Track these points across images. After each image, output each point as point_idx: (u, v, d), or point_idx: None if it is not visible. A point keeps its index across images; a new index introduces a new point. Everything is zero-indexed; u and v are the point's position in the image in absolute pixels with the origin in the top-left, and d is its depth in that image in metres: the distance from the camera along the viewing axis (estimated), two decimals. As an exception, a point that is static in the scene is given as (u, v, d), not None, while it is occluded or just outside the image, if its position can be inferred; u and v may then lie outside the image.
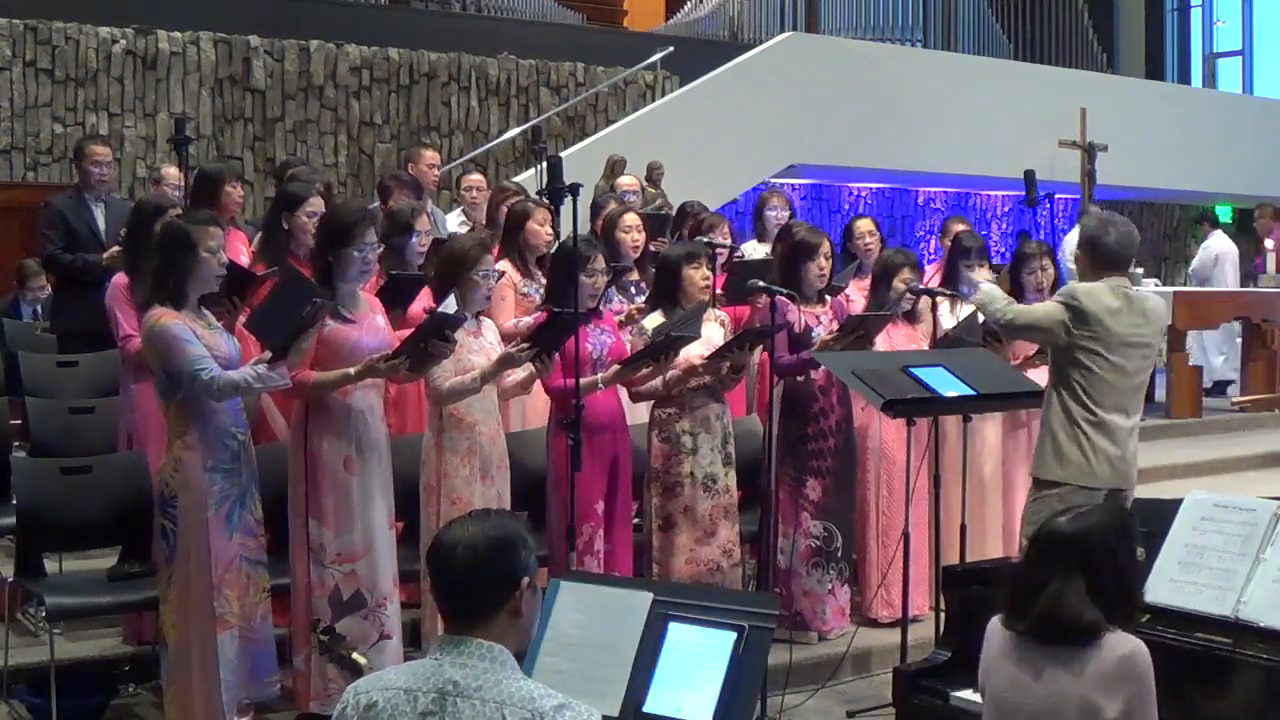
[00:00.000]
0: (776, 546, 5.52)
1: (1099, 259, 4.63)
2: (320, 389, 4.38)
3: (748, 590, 5.41)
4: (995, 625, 3.05)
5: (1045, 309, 4.68)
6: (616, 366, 4.92)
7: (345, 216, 4.55)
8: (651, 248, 6.55)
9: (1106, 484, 4.54)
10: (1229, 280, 12.67)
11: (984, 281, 5.07)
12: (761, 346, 5.41)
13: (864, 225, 6.75)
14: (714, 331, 5.34)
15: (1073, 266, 6.90)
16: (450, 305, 4.47)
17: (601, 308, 5.22)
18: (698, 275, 5.21)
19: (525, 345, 4.55)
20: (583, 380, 4.68)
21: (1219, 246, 13.15)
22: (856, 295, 6.30)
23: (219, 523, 4.20)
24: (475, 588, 2.34)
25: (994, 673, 3.01)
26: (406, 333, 4.52)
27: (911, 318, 5.92)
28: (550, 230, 5.83)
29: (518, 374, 4.76)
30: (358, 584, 4.41)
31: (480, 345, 4.75)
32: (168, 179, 7.42)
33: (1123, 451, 4.56)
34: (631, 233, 6.14)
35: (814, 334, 5.57)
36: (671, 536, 5.19)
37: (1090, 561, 2.89)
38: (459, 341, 4.57)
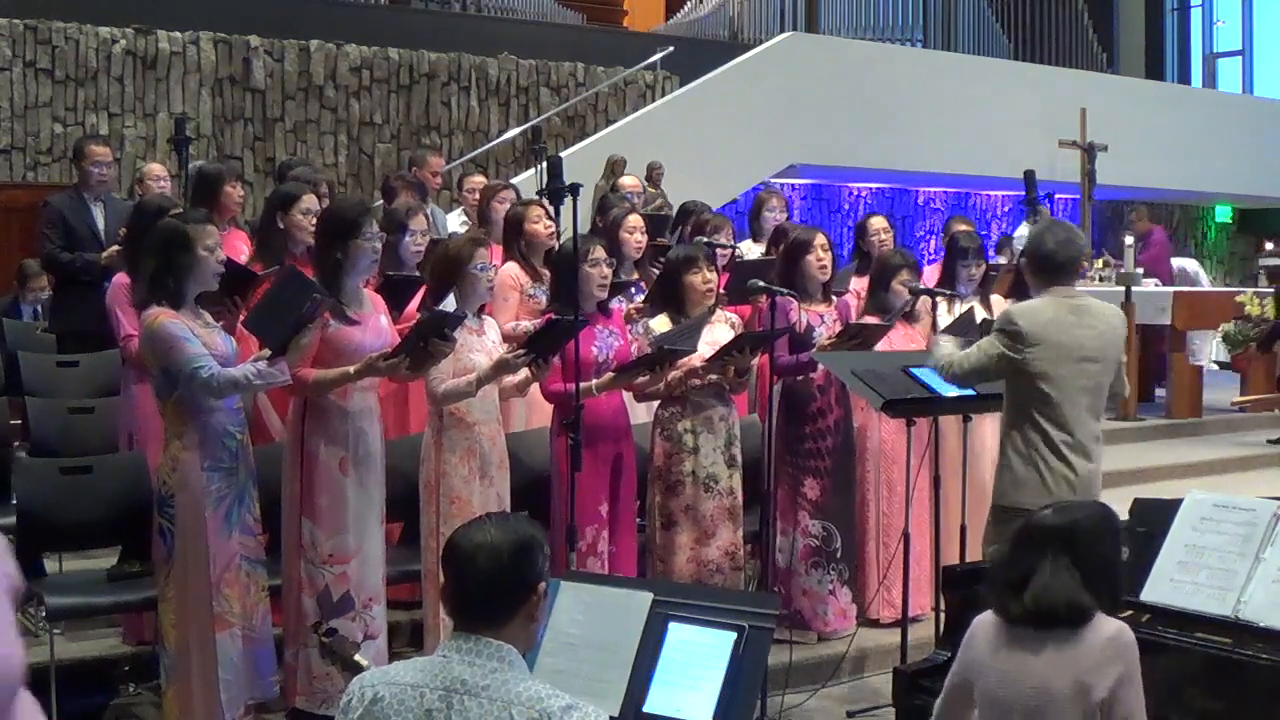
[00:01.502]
0: (776, 546, 5.52)
1: (1039, 268, 4.42)
2: (320, 388, 4.38)
3: (749, 591, 5.41)
4: (982, 622, 3.07)
5: (980, 348, 4.40)
6: (610, 374, 4.91)
7: (348, 210, 4.58)
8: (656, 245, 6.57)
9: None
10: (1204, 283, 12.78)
11: (941, 339, 4.77)
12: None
13: (877, 223, 6.75)
14: (724, 333, 5.32)
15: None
16: (449, 302, 4.47)
17: (610, 307, 5.21)
18: (698, 279, 5.20)
19: (521, 352, 4.54)
20: (569, 385, 4.67)
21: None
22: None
23: (217, 522, 4.21)
24: (496, 592, 2.33)
25: (983, 669, 3.02)
26: (406, 329, 4.52)
27: (910, 318, 5.92)
28: (549, 224, 5.82)
29: (514, 377, 4.76)
30: (348, 585, 4.41)
31: (482, 344, 4.75)
32: (150, 175, 7.39)
33: (1080, 470, 4.33)
34: (635, 233, 6.15)
35: (815, 333, 5.57)
36: (673, 535, 5.19)
37: (1075, 548, 2.94)
38: (460, 340, 4.58)
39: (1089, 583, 2.92)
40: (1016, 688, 2.94)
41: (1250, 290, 10.85)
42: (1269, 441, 10.44)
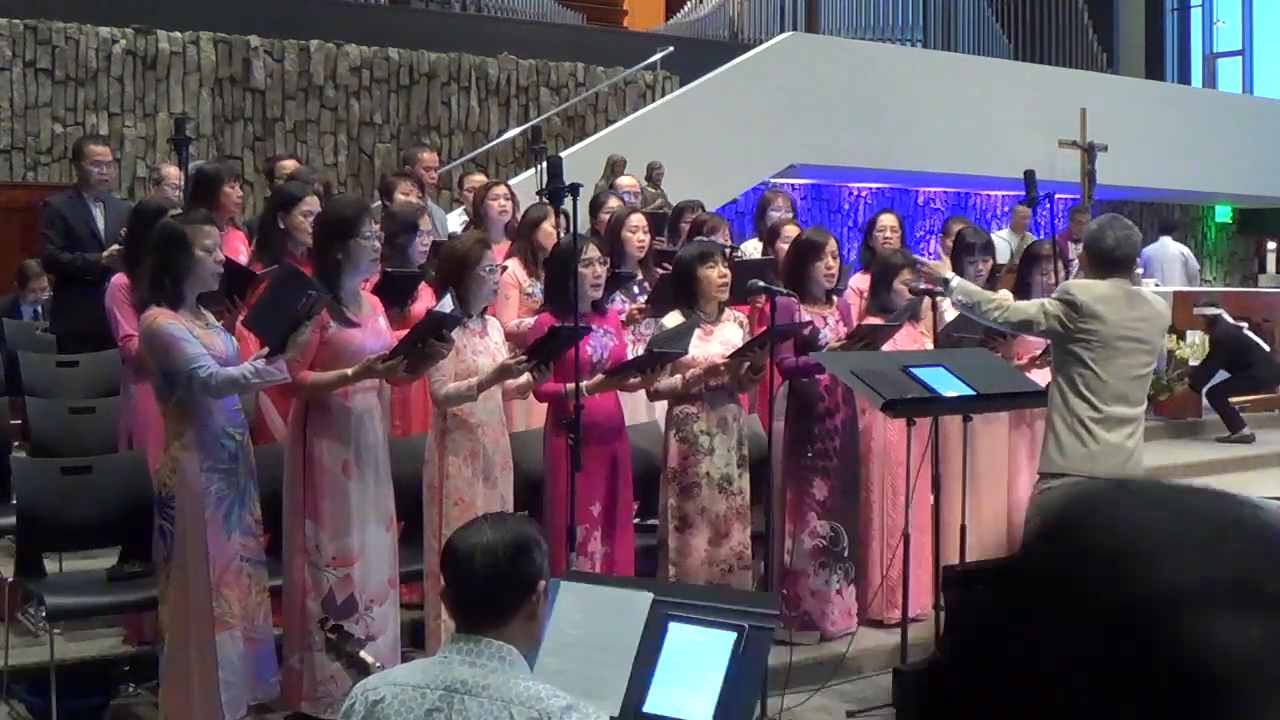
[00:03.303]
0: (784, 546, 5.52)
1: (1097, 261, 4.75)
2: (318, 390, 4.38)
3: (749, 591, 5.41)
4: None
5: (1038, 303, 4.81)
6: (600, 376, 4.91)
7: (346, 209, 4.59)
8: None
9: (1110, 474, 4.57)
10: (1176, 282, 12.74)
11: (953, 278, 5.10)
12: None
13: (886, 220, 6.75)
14: (733, 332, 5.32)
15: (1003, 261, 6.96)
16: (447, 304, 4.46)
17: (606, 306, 5.22)
18: (714, 274, 5.21)
19: (524, 359, 4.55)
20: (568, 385, 4.67)
21: (1151, 251, 13.40)
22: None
23: (217, 523, 4.20)
24: (494, 593, 2.34)
25: None
26: (405, 333, 4.51)
27: (913, 317, 5.91)
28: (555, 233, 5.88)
29: (516, 380, 4.76)
30: (351, 588, 4.40)
31: (485, 345, 4.75)
32: (168, 178, 7.44)
33: (1124, 442, 4.64)
34: (637, 233, 6.15)
35: (821, 335, 5.57)
36: (688, 538, 5.18)
37: None
38: (465, 343, 4.59)
39: None
40: None
41: (1190, 335, 10.90)
42: (1218, 440, 10.49)
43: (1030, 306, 4.83)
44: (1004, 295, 5.04)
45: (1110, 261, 4.72)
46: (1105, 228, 4.79)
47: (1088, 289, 4.68)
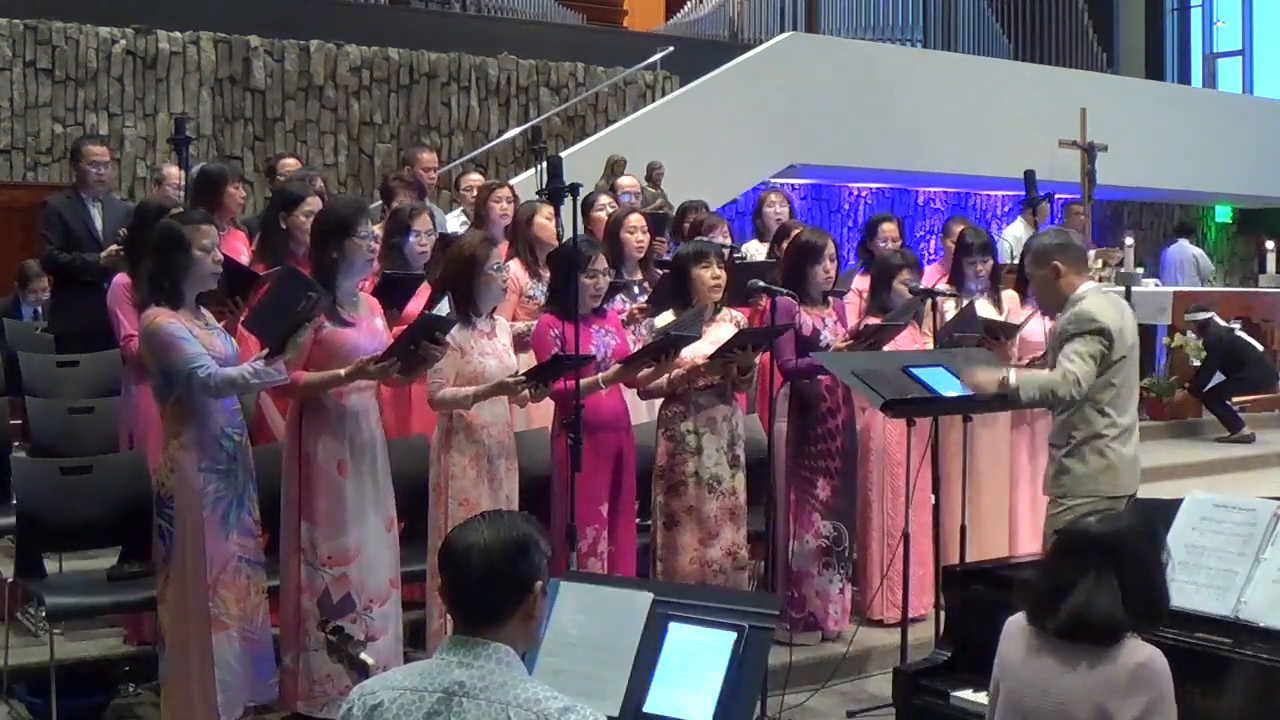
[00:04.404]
0: (788, 547, 5.52)
1: (1079, 261, 4.59)
2: (311, 390, 4.37)
3: (749, 591, 5.41)
4: (1014, 625, 3.04)
5: (1082, 357, 4.36)
6: (617, 366, 4.91)
7: (343, 209, 4.59)
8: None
9: (1128, 490, 4.54)
10: (1188, 283, 12.82)
11: (1013, 378, 4.49)
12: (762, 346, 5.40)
13: (888, 228, 6.74)
14: (727, 333, 5.31)
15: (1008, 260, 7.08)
16: (443, 307, 4.46)
17: (605, 307, 5.22)
18: (707, 274, 5.20)
19: (523, 379, 4.54)
20: (584, 380, 4.67)
21: (1168, 253, 13.50)
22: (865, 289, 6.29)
23: (215, 523, 4.20)
24: (490, 592, 2.33)
25: (1010, 673, 3.00)
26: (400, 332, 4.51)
27: (916, 317, 5.91)
28: (554, 226, 5.85)
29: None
30: (348, 587, 4.39)
31: (493, 347, 4.73)
32: (169, 179, 7.44)
33: (1135, 453, 4.59)
34: (636, 233, 6.13)
35: (821, 336, 5.57)
36: (675, 535, 5.18)
37: (1121, 563, 2.88)
38: (473, 344, 4.59)
39: (1129, 600, 2.85)
40: (1039, 700, 2.91)
41: (1189, 334, 10.89)
42: (1218, 440, 10.50)
43: (1080, 362, 4.36)
44: (1054, 377, 4.44)
45: (1084, 256, 4.71)
46: (1058, 231, 4.85)
47: (1104, 311, 4.44)
